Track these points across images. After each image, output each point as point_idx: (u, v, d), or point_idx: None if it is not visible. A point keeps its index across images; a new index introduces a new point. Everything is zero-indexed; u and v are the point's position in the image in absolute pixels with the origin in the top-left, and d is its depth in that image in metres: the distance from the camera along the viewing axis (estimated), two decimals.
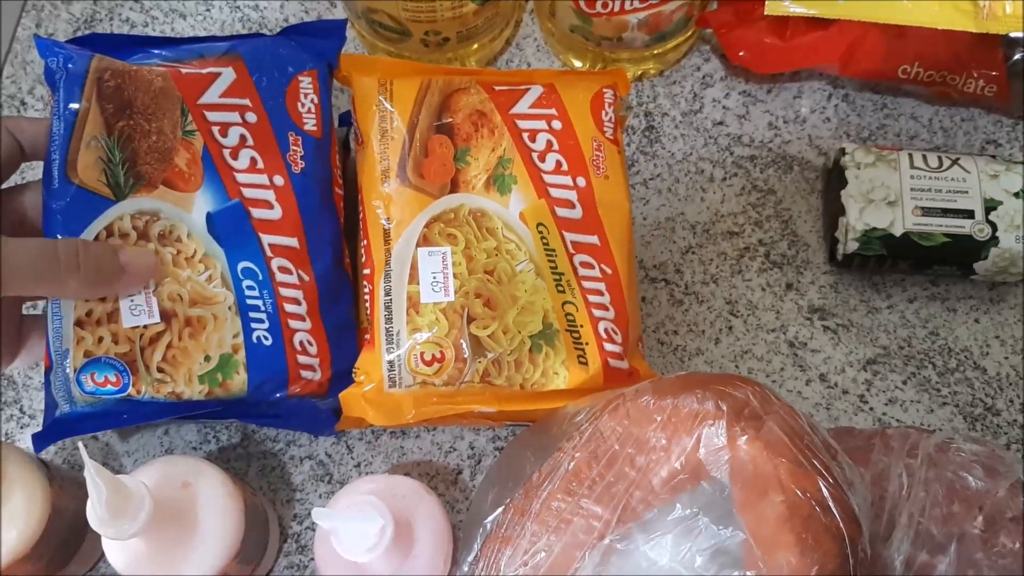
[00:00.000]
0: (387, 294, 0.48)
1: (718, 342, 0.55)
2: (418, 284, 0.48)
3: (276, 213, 0.46)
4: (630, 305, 0.50)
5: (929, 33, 0.54)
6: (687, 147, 0.59)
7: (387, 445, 0.53)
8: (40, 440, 0.45)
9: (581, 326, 0.49)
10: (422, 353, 0.47)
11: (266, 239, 0.46)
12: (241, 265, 0.46)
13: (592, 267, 0.50)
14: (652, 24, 0.55)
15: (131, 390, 0.45)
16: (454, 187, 0.50)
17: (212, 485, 0.44)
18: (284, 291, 0.46)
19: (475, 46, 0.58)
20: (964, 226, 0.53)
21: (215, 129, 0.46)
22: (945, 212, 0.53)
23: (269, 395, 0.46)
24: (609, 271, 0.50)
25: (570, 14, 0.55)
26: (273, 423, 0.52)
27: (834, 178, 0.56)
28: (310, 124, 0.48)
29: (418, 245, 0.49)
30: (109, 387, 0.44)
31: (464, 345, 0.48)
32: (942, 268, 0.54)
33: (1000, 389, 0.54)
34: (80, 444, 0.37)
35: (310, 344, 0.46)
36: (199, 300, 0.45)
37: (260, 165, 0.46)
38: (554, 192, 0.50)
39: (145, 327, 0.45)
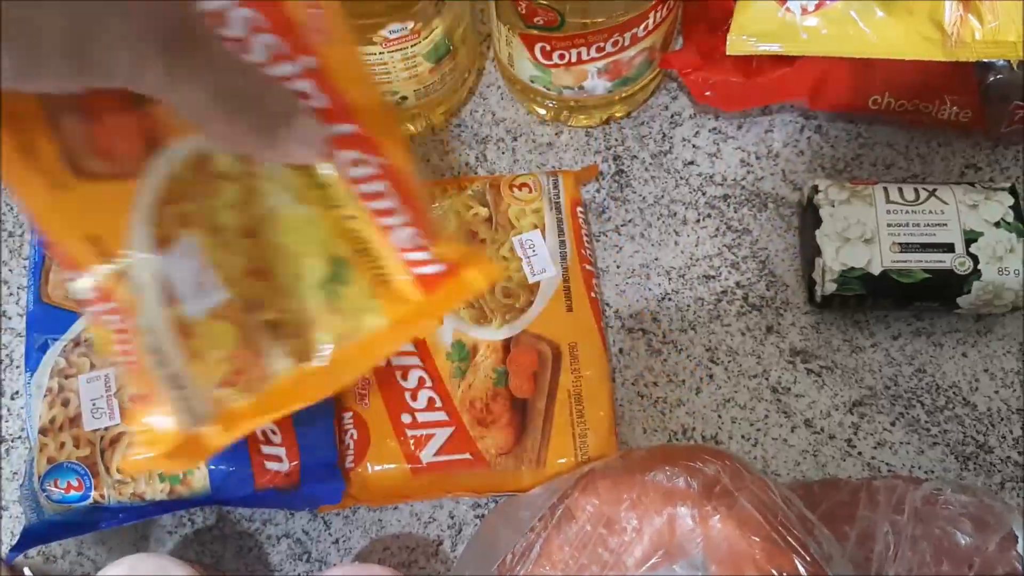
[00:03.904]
0: (148, 331, 0.36)
1: (699, 391, 0.54)
2: (181, 300, 0.36)
3: None
4: (422, 198, 0.40)
5: (897, 62, 0.52)
6: (658, 190, 0.58)
7: (365, 519, 0.52)
8: (12, 553, 0.44)
9: (372, 239, 0.39)
10: (222, 378, 0.38)
11: None
12: None
13: (363, 164, 0.38)
14: (613, 71, 0.54)
15: (94, 494, 0.44)
16: (155, 143, 0.35)
17: None
18: None
19: (438, 100, 0.57)
20: (944, 260, 0.52)
21: None
22: (924, 247, 0.52)
23: (235, 491, 0.45)
24: (384, 161, 0.38)
25: (528, 66, 0.54)
26: (247, 503, 0.51)
27: (809, 216, 0.54)
28: None
29: (160, 250, 0.36)
30: (72, 493, 0.44)
31: (261, 340, 0.38)
32: (924, 304, 0.53)
33: (992, 425, 0.53)
34: (26, 569, 0.36)
35: (273, 433, 0.45)
36: None
37: None
38: None
39: (106, 429, 0.44)
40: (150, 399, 0.37)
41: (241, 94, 0.32)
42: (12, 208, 0.59)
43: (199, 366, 0.36)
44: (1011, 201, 0.52)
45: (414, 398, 0.50)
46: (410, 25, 0.49)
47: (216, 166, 0.36)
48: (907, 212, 0.52)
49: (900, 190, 0.53)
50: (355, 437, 0.49)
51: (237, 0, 0.34)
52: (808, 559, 0.37)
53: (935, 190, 0.53)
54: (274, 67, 0.35)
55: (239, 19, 0.34)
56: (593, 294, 0.53)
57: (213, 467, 0.45)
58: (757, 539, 0.37)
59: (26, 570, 0.36)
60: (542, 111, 0.59)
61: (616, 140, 0.59)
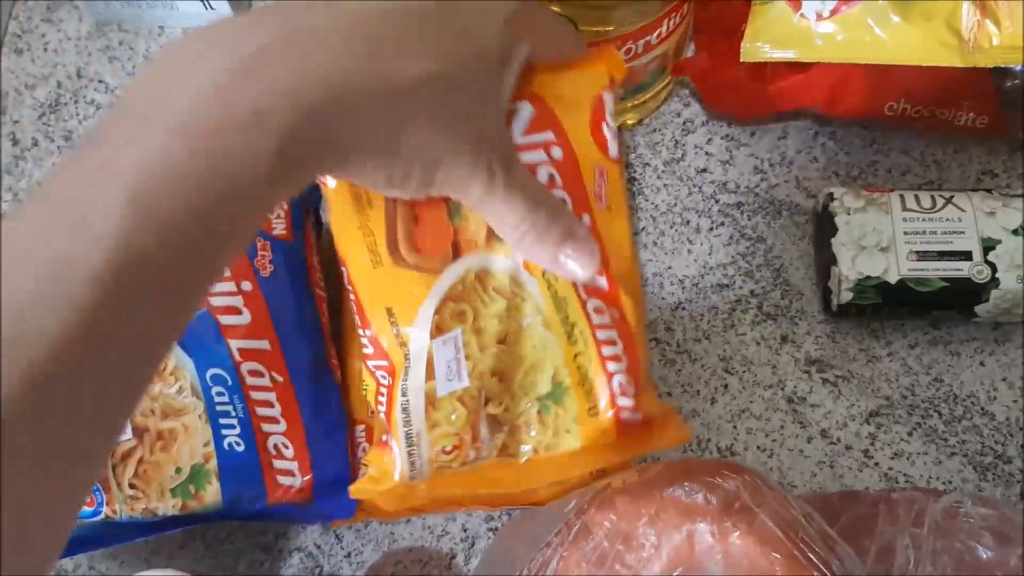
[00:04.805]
0: (404, 395, 0.42)
1: (714, 402, 0.53)
2: (434, 379, 0.42)
3: (245, 318, 0.46)
4: (641, 351, 0.45)
5: (914, 68, 0.52)
6: (671, 198, 0.58)
7: (377, 532, 0.52)
8: None
9: (593, 377, 0.43)
10: (443, 447, 0.43)
11: (235, 344, 0.45)
12: (210, 372, 0.45)
13: (603, 312, 0.43)
14: (626, 78, 0.53)
15: (106, 509, 0.44)
16: (456, 252, 0.41)
17: None
18: (255, 394, 0.45)
19: None
20: (962, 268, 0.51)
21: None
22: (941, 255, 0.51)
23: (248, 506, 0.44)
24: (618, 315, 0.43)
25: None
26: (260, 518, 0.51)
27: (824, 224, 0.54)
28: (279, 229, 0.47)
29: (432, 336, 0.42)
30: (84, 508, 0.43)
31: (481, 427, 0.43)
32: (942, 312, 0.52)
33: (1010, 435, 0.52)
34: None
35: (285, 447, 0.45)
36: (170, 412, 0.44)
37: (226, 272, 0.45)
38: None
39: (117, 444, 0.44)
40: (387, 446, 0.43)
41: (545, 210, 0.39)
42: None
43: (432, 433, 0.43)
44: None
45: None
46: None
47: (493, 281, 0.42)
48: (924, 220, 0.52)
49: (916, 197, 0.53)
50: (367, 451, 0.48)
51: (550, 162, 0.41)
52: None
53: (952, 197, 0.53)
54: None
55: (545, 175, 0.41)
56: None
57: (226, 482, 0.45)
58: (778, 556, 0.37)
59: None
60: None
61: (628, 148, 0.59)
